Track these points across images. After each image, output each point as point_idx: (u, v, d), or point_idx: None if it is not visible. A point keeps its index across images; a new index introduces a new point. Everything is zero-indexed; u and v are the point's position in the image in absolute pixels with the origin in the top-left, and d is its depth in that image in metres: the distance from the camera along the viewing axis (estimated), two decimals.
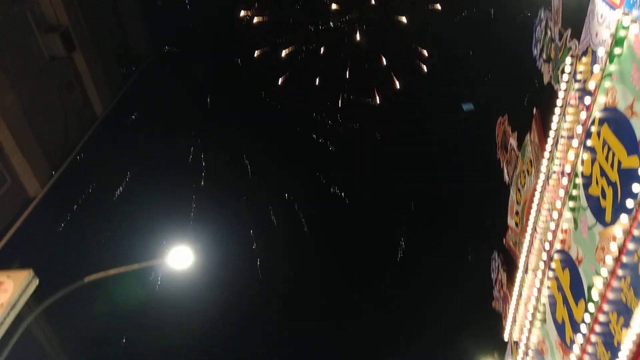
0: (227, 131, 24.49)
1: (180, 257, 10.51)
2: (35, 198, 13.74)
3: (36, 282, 8.90)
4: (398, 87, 25.97)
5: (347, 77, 26.09)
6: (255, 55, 25.48)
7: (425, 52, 25.40)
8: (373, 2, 25.55)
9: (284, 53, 25.89)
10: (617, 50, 4.92)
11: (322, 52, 26.18)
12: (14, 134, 12.53)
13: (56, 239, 16.04)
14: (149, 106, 21.37)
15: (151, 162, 22.77)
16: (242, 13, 24.70)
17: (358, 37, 25.76)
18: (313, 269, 22.98)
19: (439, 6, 24.65)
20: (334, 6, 25.56)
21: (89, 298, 15.73)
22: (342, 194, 25.43)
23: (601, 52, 5.15)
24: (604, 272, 4.71)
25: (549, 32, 6.64)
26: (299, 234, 24.74)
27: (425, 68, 25.57)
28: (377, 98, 26.23)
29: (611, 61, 5.04)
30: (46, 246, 14.99)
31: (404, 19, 25.16)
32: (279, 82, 25.93)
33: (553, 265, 6.42)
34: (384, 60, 25.83)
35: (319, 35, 26.26)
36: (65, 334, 15.64)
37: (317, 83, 26.13)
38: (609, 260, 4.62)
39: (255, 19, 25.30)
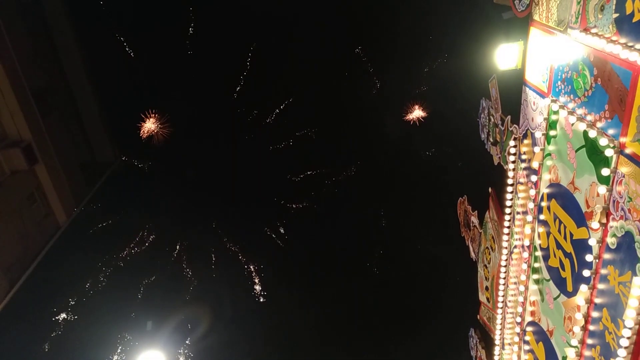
0: (194, 234, 24.53)
1: None
2: None
3: None
4: None
5: None
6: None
7: None
8: None
9: None
10: (552, 132, 5.46)
11: None
12: None
13: (17, 354, 15.16)
14: (113, 212, 21.31)
15: (114, 269, 22.32)
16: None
17: None
18: None
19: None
20: None
21: None
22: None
23: (538, 135, 5.69)
24: (574, 342, 4.86)
25: (491, 118, 7.26)
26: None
27: None
28: None
29: (549, 142, 5.56)
30: None
31: None
32: None
33: (527, 338, 6.53)
34: None
35: None
36: None
37: None
38: (577, 330, 4.79)
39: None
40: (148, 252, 23.83)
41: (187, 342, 22.81)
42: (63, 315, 19.92)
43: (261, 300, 25.43)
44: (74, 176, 16.41)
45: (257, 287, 25.64)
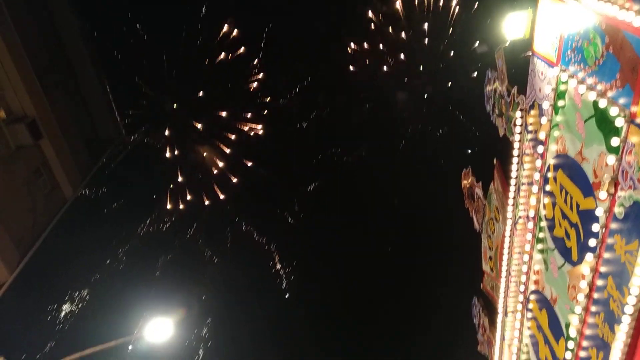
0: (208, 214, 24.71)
1: (158, 330, 10.21)
2: (4, 285, 13.32)
3: None
4: None
5: None
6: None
7: None
8: None
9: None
10: (560, 103, 5.43)
11: None
12: None
13: (29, 323, 15.54)
14: (118, 186, 21.44)
15: (121, 241, 22.60)
16: None
17: None
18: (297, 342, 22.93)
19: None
20: None
21: None
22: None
23: (546, 105, 5.66)
24: (578, 309, 4.95)
25: (497, 90, 7.20)
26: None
27: None
28: None
29: (556, 113, 5.54)
30: (19, 331, 14.53)
31: None
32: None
33: (530, 306, 6.64)
34: None
35: None
36: None
37: None
38: (581, 297, 4.87)
39: None
40: (163, 230, 24.04)
41: (207, 321, 23.13)
42: (73, 288, 20.28)
43: (282, 275, 25.70)
44: (78, 151, 16.50)
45: (277, 265, 25.87)
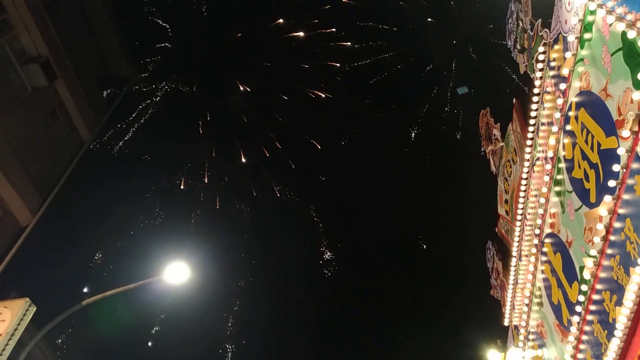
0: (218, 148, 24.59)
1: (176, 273, 10.55)
2: (27, 227, 13.66)
3: (33, 309, 9.04)
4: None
5: None
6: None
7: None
8: None
9: None
10: (586, 35, 5.07)
11: None
12: (1, 166, 12.49)
13: (51, 265, 16.09)
14: (135, 128, 21.42)
15: (140, 184, 22.87)
16: None
17: None
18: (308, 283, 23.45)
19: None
20: None
21: (89, 319, 15.95)
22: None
23: (572, 38, 5.29)
24: (594, 252, 4.82)
25: (520, 23, 6.78)
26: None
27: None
28: None
29: (582, 46, 5.18)
30: (42, 273, 15.05)
31: None
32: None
33: (545, 249, 6.54)
34: None
35: None
36: (67, 357, 15.76)
37: None
38: (597, 240, 4.74)
39: None
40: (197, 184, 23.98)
41: (240, 284, 23.30)
42: (95, 232, 20.68)
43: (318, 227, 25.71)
44: (93, 93, 16.39)
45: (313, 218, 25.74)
